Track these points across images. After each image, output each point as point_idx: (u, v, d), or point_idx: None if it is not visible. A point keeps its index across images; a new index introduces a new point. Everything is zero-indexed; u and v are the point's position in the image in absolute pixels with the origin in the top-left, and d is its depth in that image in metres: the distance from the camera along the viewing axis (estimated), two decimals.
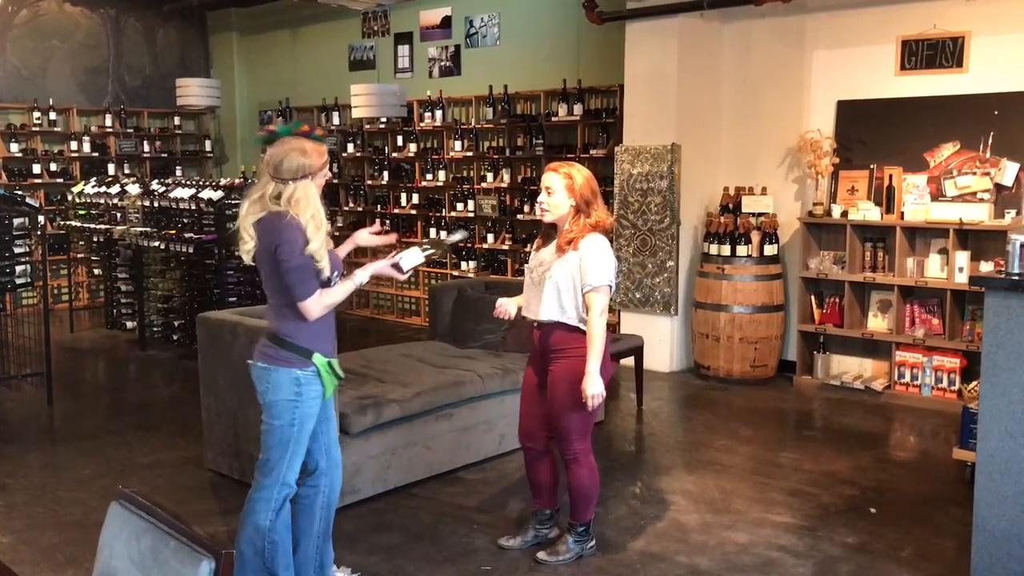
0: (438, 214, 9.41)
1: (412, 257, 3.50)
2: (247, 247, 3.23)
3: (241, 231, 3.23)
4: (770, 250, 6.95)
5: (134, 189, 8.42)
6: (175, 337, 8.12)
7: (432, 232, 9.38)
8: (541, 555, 3.88)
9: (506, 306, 3.97)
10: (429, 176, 9.41)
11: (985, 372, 3.42)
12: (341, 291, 3.29)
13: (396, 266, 3.48)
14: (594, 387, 3.61)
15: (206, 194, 7.57)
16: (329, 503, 3.47)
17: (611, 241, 7.38)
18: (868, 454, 5.37)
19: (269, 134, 3.26)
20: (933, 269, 6.36)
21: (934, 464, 5.22)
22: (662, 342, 7.30)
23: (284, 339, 3.25)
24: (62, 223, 9.56)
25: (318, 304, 3.21)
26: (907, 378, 6.42)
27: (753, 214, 7.02)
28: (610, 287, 3.68)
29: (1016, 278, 3.35)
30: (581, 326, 3.69)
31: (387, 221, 9.89)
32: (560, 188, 3.70)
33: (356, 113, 9.07)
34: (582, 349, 3.65)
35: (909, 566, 3.89)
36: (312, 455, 3.41)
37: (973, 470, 3.84)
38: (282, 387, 3.24)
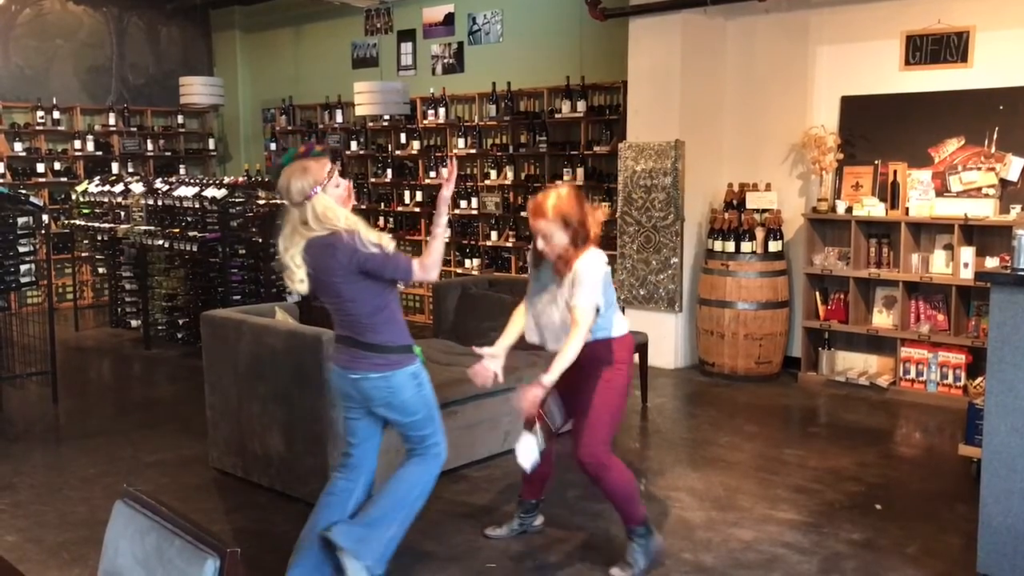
0: None
1: (528, 448, 3.60)
2: (299, 277, 3.29)
3: (288, 265, 3.29)
4: (774, 246, 6.93)
5: (138, 188, 8.43)
6: (179, 335, 8.13)
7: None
8: (615, 571, 3.73)
9: (483, 375, 3.66)
10: (432, 174, 9.41)
11: (991, 368, 3.41)
12: (438, 245, 3.35)
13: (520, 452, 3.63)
14: (533, 394, 3.45)
15: (209, 192, 7.57)
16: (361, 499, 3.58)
17: (616, 237, 7.43)
18: (873, 450, 5.36)
19: (277, 168, 3.36)
20: (938, 265, 6.34)
21: (939, 460, 5.21)
22: (666, 339, 7.29)
23: (388, 345, 3.36)
24: (66, 222, 9.56)
25: (424, 268, 3.31)
26: (912, 374, 6.41)
27: (757, 210, 7.00)
28: (598, 308, 3.55)
29: (1022, 273, 3.34)
30: (602, 334, 3.63)
31: (391, 219, 9.89)
32: (557, 230, 3.52)
33: (359, 111, 9.07)
34: (614, 355, 3.64)
35: (915, 562, 3.88)
36: (365, 453, 3.56)
37: (979, 466, 3.83)
38: (405, 385, 3.40)
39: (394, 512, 3.46)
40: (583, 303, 3.49)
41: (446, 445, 3.57)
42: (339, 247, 3.22)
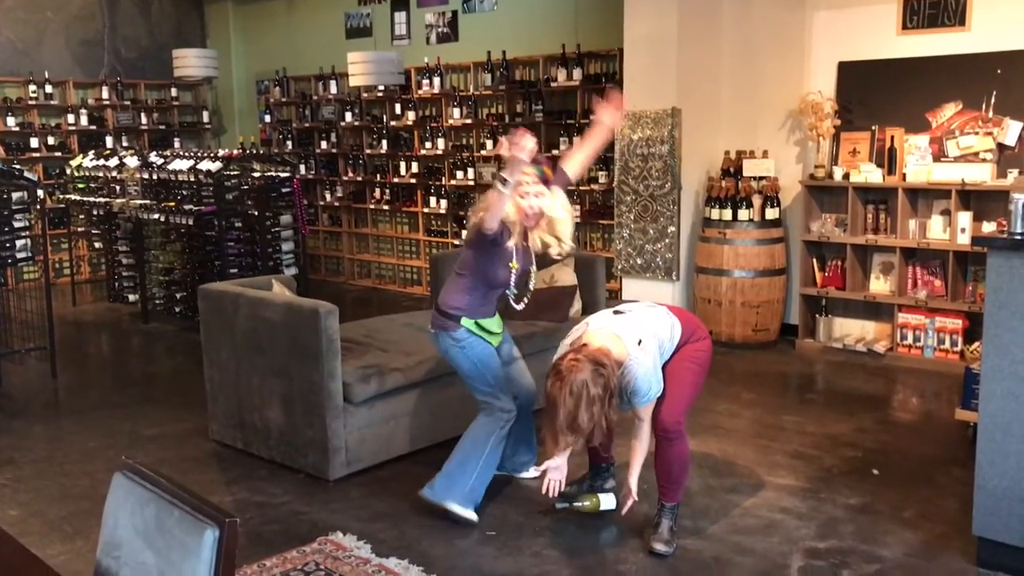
0: (438, 183, 9.37)
1: (608, 500, 4.01)
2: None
3: None
4: (771, 214, 6.92)
5: (132, 162, 8.39)
6: (177, 309, 8.13)
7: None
8: (660, 548, 3.68)
9: (551, 485, 3.86)
10: (428, 144, 9.36)
11: (987, 333, 3.41)
12: (492, 197, 3.64)
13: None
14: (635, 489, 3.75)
15: (204, 165, 7.54)
16: (522, 416, 4.14)
17: (613, 207, 7.41)
18: (870, 416, 5.38)
19: None
20: (935, 230, 6.34)
21: (936, 425, 5.24)
22: None
23: (442, 307, 3.91)
24: (61, 197, 9.53)
25: (483, 220, 3.68)
26: (909, 340, 6.42)
27: (754, 178, 6.98)
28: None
29: (1018, 238, 3.33)
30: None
31: (387, 191, 9.86)
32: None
33: (353, 81, 9.01)
34: (700, 332, 3.83)
35: (911, 526, 3.91)
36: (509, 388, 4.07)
37: (975, 430, 3.85)
38: (448, 347, 3.95)
39: (470, 462, 3.94)
40: (645, 403, 3.59)
41: (510, 405, 3.99)
42: None
